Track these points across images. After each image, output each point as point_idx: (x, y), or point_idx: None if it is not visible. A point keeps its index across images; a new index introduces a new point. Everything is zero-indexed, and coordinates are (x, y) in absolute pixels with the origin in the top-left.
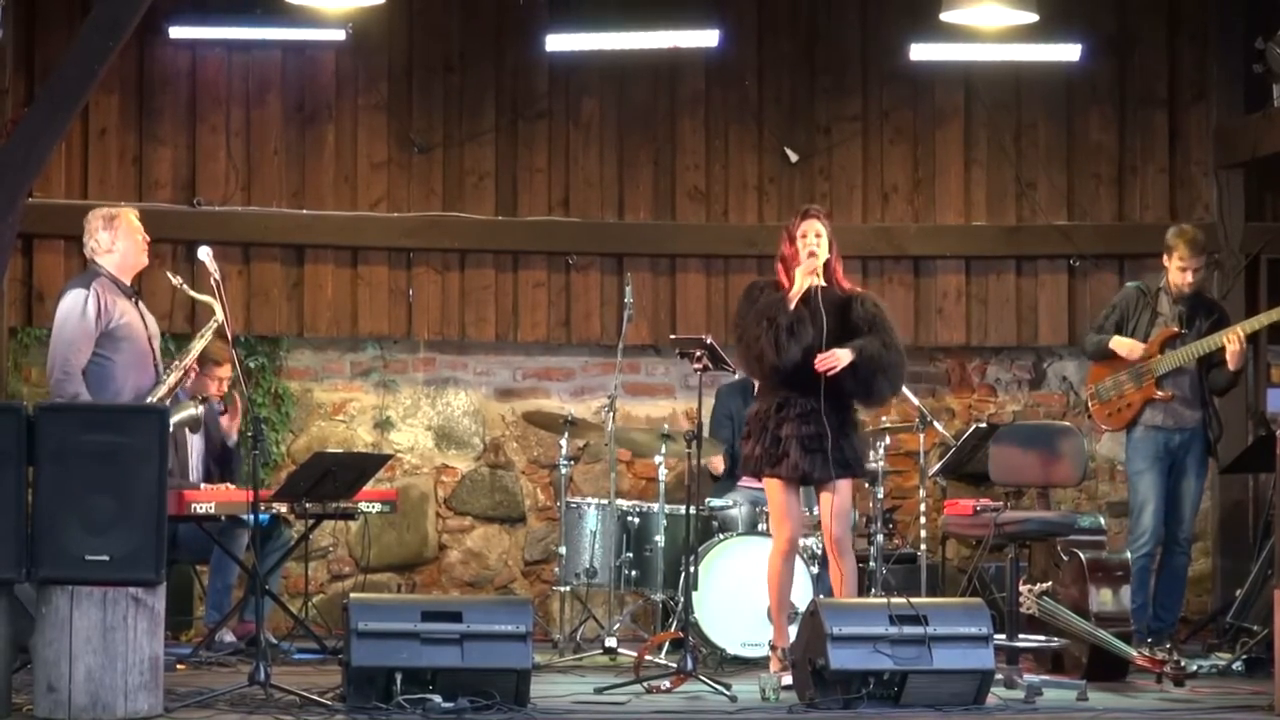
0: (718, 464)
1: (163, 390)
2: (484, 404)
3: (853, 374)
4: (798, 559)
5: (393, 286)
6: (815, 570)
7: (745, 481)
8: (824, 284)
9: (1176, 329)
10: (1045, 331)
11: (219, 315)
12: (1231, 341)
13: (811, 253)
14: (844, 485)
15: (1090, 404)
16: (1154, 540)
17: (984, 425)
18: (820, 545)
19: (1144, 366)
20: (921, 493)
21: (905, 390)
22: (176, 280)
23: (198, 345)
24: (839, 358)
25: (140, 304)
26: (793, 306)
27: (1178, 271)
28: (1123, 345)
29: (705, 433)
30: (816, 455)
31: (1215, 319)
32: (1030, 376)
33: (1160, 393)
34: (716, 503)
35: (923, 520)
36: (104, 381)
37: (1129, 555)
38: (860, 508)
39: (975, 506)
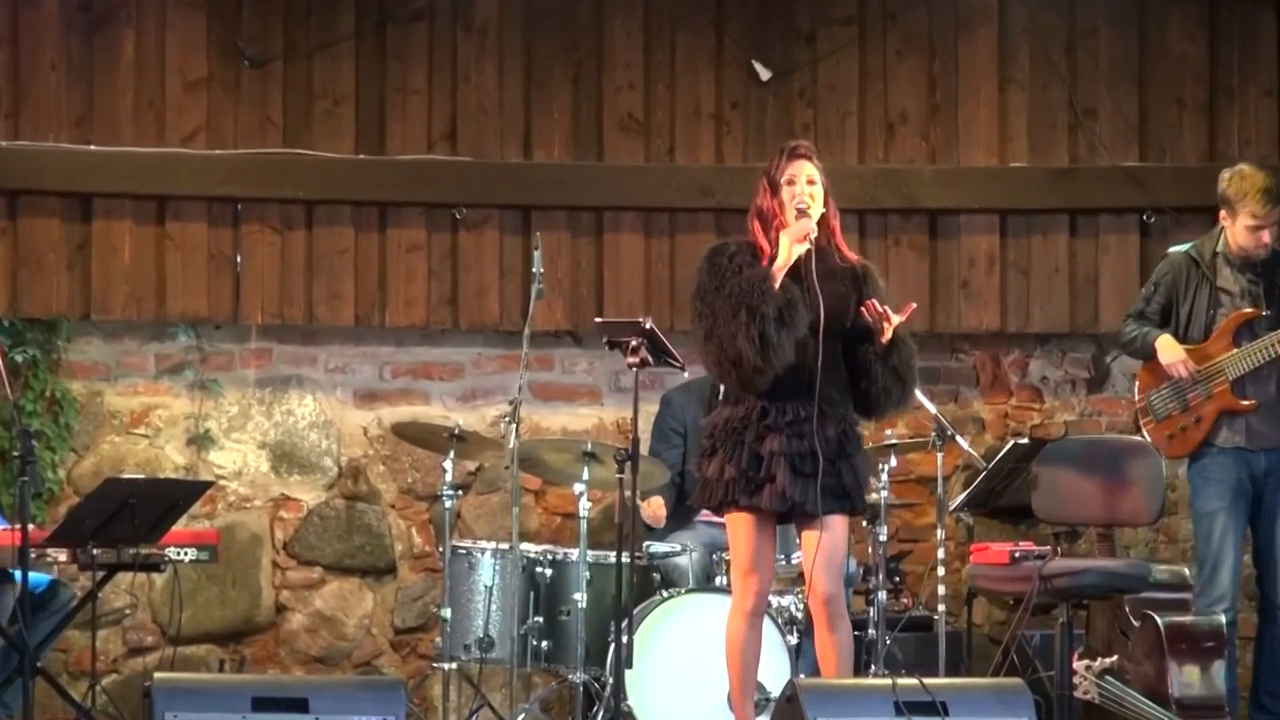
0: (657, 510)
1: None
2: (339, 412)
3: (884, 360)
4: (770, 624)
5: (214, 251)
6: (794, 640)
7: (704, 515)
8: (815, 248)
9: (1251, 309)
10: (1109, 313)
11: None
12: None
13: (803, 209)
14: (838, 524)
15: (1142, 422)
16: (1234, 607)
17: (1025, 441)
18: (801, 606)
19: (1214, 365)
20: (940, 534)
21: (916, 393)
22: None
23: None
24: (892, 319)
25: None
26: (778, 284)
27: (1247, 233)
28: (1167, 351)
29: (644, 452)
30: (810, 481)
31: None
32: (1088, 375)
33: (1245, 401)
34: (659, 548)
35: (941, 571)
36: None
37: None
38: (857, 554)
39: (1013, 553)
